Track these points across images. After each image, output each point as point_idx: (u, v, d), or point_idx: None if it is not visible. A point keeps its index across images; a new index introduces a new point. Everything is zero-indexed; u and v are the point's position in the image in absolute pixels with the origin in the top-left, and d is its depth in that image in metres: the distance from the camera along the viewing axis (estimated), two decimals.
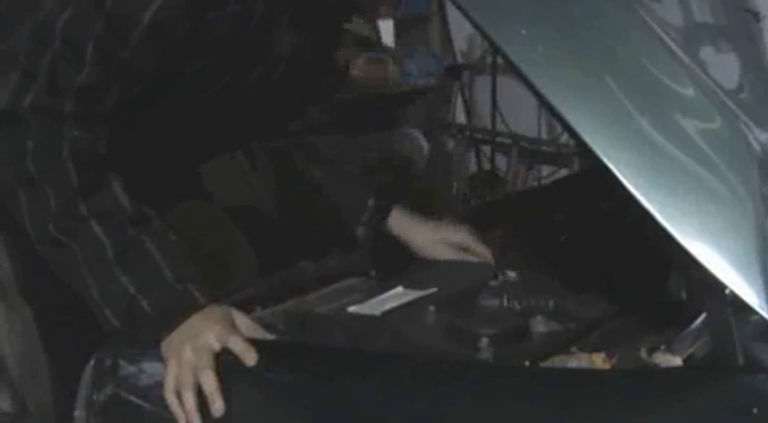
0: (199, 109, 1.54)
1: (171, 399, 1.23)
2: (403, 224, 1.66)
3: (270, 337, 1.29)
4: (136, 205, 1.33)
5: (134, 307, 1.28)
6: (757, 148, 1.23)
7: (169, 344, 1.27)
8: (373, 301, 1.42)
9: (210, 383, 1.22)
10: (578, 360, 1.21)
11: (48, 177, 1.31)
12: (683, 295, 1.36)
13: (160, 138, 1.55)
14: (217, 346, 1.24)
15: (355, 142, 1.76)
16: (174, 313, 1.28)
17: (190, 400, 1.22)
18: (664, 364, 1.17)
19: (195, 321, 1.27)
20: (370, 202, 1.67)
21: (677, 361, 1.16)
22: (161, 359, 1.27)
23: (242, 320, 1.28)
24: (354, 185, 1.72)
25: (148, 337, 1.29)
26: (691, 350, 1.18)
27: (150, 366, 1.30)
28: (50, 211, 1.30)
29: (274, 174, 1.79)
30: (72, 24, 1.33)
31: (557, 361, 1.22)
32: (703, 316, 1.17)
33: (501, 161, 3.71)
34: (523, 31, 1.10)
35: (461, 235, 1.63)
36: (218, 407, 1.21)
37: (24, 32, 1.37)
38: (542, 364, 1.22)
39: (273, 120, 1.72)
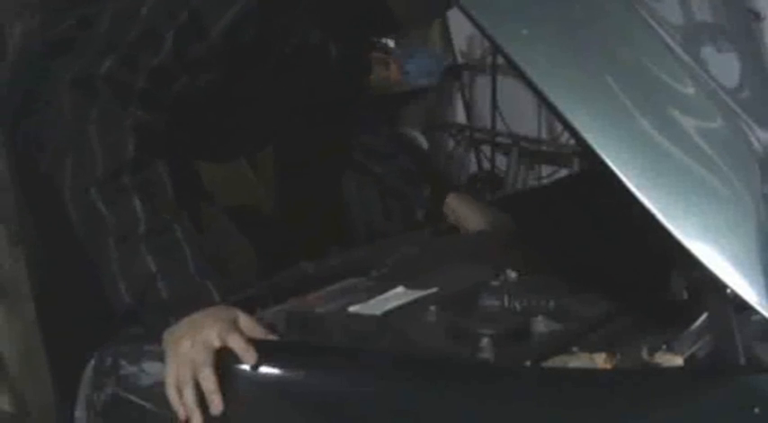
0: (247, 110, 1.60)
1: (171, 393, 1.23)
2: (457, 209, 1.84)
3: (271, 337, 1.29)
4: (174, 195, 1.35)
5: (150, 287, 1.29)
6: (758, 147, 1.23)
7: (171, 334, 1.27)
8: (374, 300, 1.42)
9: (209, 382, 1.21)
10: (579, 360, 1.21)
11: (104, 144, 1.33)
12: (685, 295, 1.36)
13: (201, 135, 1.60)
14: (216, 343, 1.24)
15: (402, 138, 1.99)
16: (187, 304, 1.28)
17: (189, 396, 1.22)
18: (665, 364, 1.16)
19: (199, 317, 1.27)
20: (427, 192, 1.86)
21: (678, 361, 1.16)
22: (161, 359, 1.27)
23: (244, 320, 1.28)
24: (411, 176, 1.89)
25: (153, 321, 1.29)
26: (692, 350, 1.18)
27: (150, 366, 1.30)
28: (95, 177, 1.32)
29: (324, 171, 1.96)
30: (156, 13, 1.37)
31: (558, 361, 1.22)
32: (705, 316, 1.17)
33: (501, 161, 3.71)
34: (525, 31, 1.10)
35: (505, 221, 1.81)
36: (216, 405, 1.21)
37: (103, 16, 1.41)
38: (543, 365, 1.22)
39: (311, 120, 1.79)
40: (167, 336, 1.27)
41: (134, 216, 1.31)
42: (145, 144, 1.34)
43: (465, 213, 1.82)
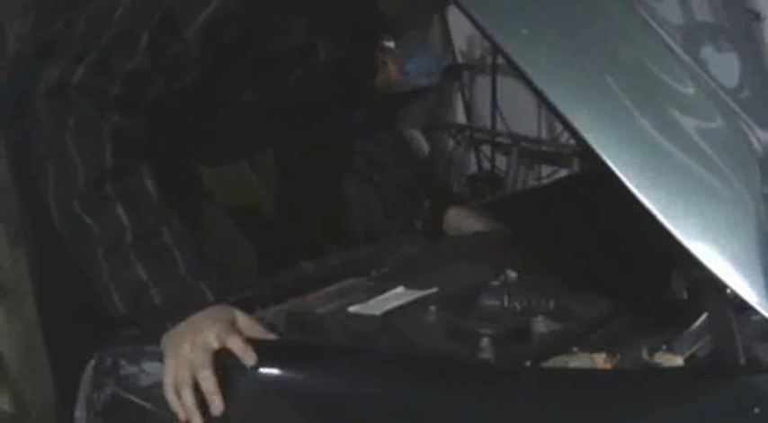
0: (234, 113, 1.59)
1: (170, 395, 1.23)
2: (459, 224, 1.80)
3: (270, 336, 1.29)
4: (161, 198, 1.34)
5: (142, 294, 1.29)
6: (758, 147, 1.23)
7: (169, 338, 1.27)
8: (374, 301, 1.42)
9: (209, 383, 1.21)
10: (579, 360, 1.21)
11: (83, 153, 1.32)
12: (685, 295, 1.36)
13: (188, 138, 1.58)
14: (215, 345, 1.23)
15: (403, 146, 2.01)
16: (181, 307, 1.28)
17: (188, 398, 1.22)
18: (665, 364, 1.16)
19: (197, 318, 1.27)
20: (426, 204, 1.83)
21: (678, 361, 1.16)
22: (161, 359, 1.27)
23: (243, 320, 1.28)
24: (410, 190, 1.86)
25: (150, 327, 1.29)
26: (692, 350, 1.18)
27: (150, 366, 1.30)
28: (77, 188, 1.31)
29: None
30: (130, 15, 1.36)
31: (558, 361, 1.22)
32: (705, 316, 1.17)
33: (501, 161, 3.71)
34: (525, 31, 1.10)
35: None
36: (217, 406, 1.21)
37: (79, 18, 1.40)
38: (543, 365, 1.22)
39: (306, 121, 1.78)
40: (166, 339, 1.27)
41: (119, 224, 1.30)
42: (124, 150, 1.33)
43: (467, 228, 1.78)
